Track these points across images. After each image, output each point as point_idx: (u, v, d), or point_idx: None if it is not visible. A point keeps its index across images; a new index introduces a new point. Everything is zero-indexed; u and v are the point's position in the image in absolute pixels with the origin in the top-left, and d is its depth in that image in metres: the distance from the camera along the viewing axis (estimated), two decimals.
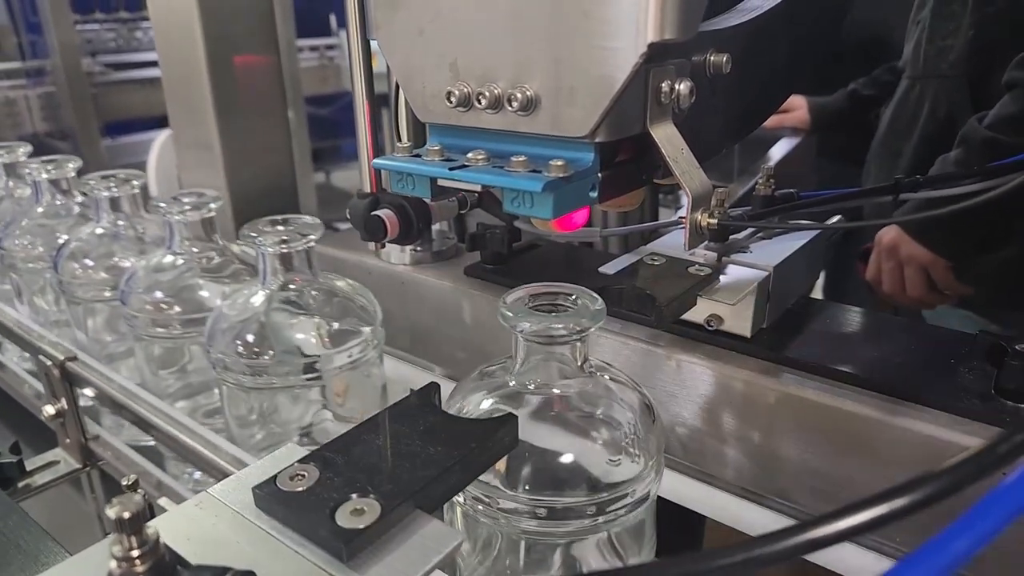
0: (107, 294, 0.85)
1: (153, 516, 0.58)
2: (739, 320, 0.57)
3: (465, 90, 0.36)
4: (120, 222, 0.87)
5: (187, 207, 0.75)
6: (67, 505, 0.95)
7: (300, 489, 0.34)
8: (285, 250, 0.62)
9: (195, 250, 0.78)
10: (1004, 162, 0.64)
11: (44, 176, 0.95)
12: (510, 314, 0.40)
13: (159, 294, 0.76)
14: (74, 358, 0.75)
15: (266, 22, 0.95)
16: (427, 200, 0.71)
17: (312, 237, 0.62)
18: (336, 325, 0.65)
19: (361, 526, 0.31)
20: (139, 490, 0.61)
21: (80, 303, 0.87)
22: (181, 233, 0.76)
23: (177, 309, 0.75)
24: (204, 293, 0.77)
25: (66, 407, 0.76)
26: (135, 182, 0.85)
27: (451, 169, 0.35)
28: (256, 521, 0.33)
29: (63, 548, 0.49)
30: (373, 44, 0.64)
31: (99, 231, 0.87)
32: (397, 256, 0.84)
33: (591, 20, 0.32)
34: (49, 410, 0.77)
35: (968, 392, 0.52)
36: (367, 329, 0.65)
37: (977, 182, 0.63)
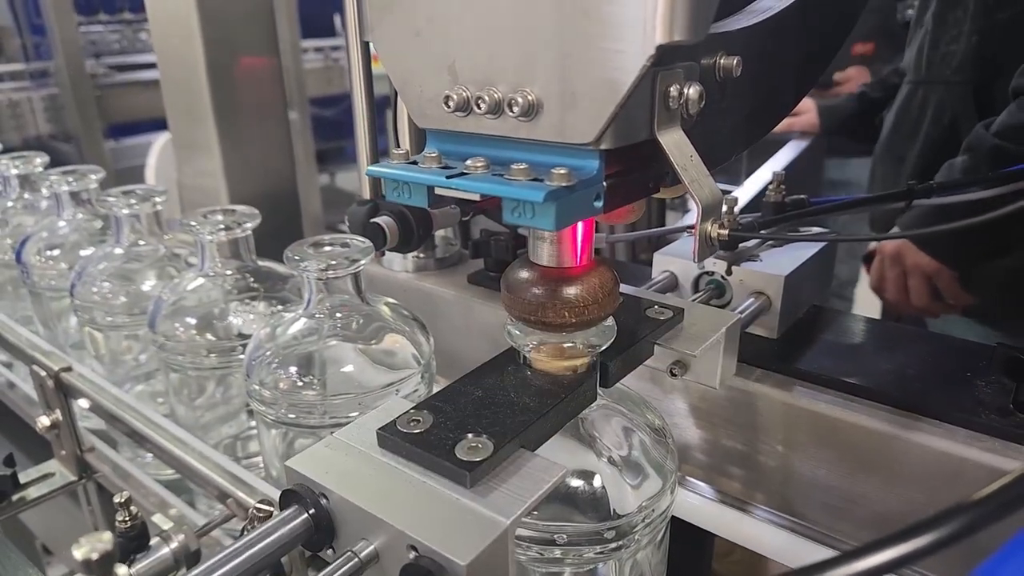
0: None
1: (148, 536, 0.57)
2: (706, 369, 0.50)
3: (464, 94, 0.34)
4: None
5: (221, 227, 0.69)
6: (65, 515, 0.94)
7: (419, 431, 0.38)
8: (332, 275, 0.57)
9: (228, 272, 0.71)
10: (1017, 168, 0.62)
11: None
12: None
13: (191, 320, 0.69)
14: (69, 369, 0.73)
15: (266, 24, 0.93)
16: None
17: (361, 262, 0.57)
18: (384, 355, 0.59)
19: (479, 459, 0.35)
20: (132, 507, 0.59)
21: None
22: (213, 254, 0.71)
23: (209, 336, 0.69)
24: (237, 320, 0.70)
25: (60, 418, 0.75)
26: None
27: (449, 177, 0.33)
28: (381, 457, 0.38)
29: (42, 573, 0.48)
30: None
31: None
32: (399, 263, 0.82)
33: (595, 21, 0.30)
34: (44, 421, 0.75)
35: (986, 407, 0.51)
36: (418, 359, 0.60)
37: (990, 187, 0.61)
